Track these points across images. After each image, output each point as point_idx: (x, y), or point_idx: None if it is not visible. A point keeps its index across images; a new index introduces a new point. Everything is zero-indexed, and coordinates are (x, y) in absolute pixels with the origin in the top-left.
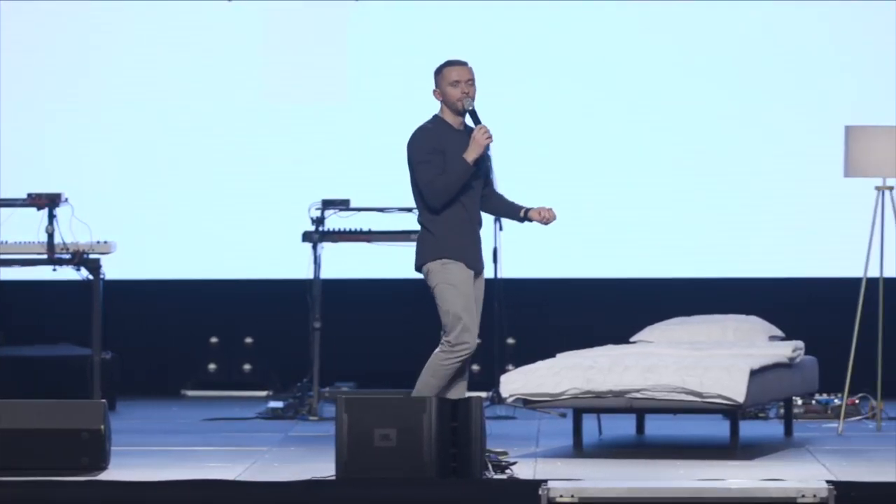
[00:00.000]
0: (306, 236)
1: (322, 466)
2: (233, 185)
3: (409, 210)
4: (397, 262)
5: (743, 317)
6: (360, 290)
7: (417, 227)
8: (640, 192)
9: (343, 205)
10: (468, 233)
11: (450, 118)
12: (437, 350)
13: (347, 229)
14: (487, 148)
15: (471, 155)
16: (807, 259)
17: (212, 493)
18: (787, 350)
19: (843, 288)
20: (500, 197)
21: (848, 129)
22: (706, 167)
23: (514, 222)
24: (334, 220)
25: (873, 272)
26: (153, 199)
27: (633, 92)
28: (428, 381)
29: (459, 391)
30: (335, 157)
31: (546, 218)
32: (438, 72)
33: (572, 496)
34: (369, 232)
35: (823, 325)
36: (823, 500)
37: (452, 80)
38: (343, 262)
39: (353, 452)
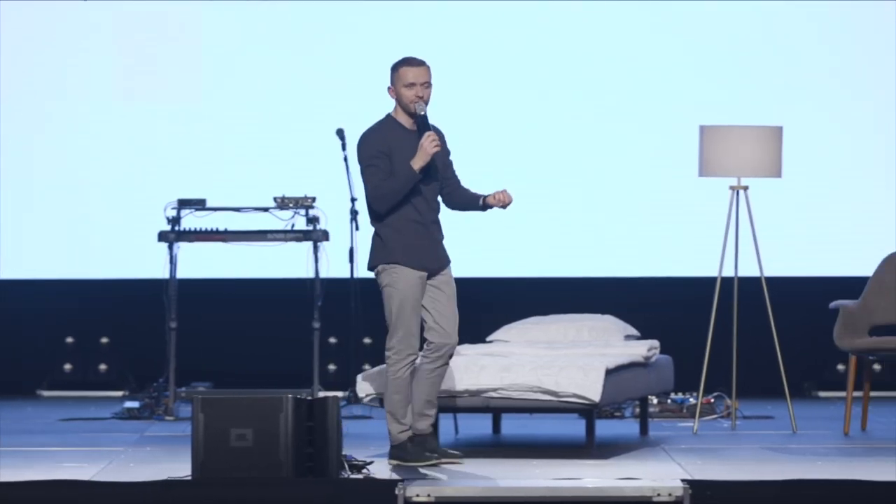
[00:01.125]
0: (162, 236)
1: (178, 466)
2: (89, 185)
3: (265, 210)
4: (254, 262)
5: (598, 316)
6: (217, 290)
7: (273, 226)
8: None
9: (199, 204)
10: (419, 234)
11: (402, 118)
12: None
13: (203, 229)
14: (439, 154)
15: (417, 163)
16: (662, 258)
17: (68, 494)
18: (642, 349)
19: (698, 287)
20: (463, 191)
21: (702, 129)
22: (559, 166)
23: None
24: (190, 220)
25: (728, 272)
26: (7, 197)
27: (485, 89)
28: (390, 398)
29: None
30: (191, 156)
31: (501, 201)
32: (395, 69)
33: (429, 496)
34: (225, 231)
35: (679, 325)
36: (679, 498)
37: (408, 81)
38: (199, 262)
39: (210, 452)
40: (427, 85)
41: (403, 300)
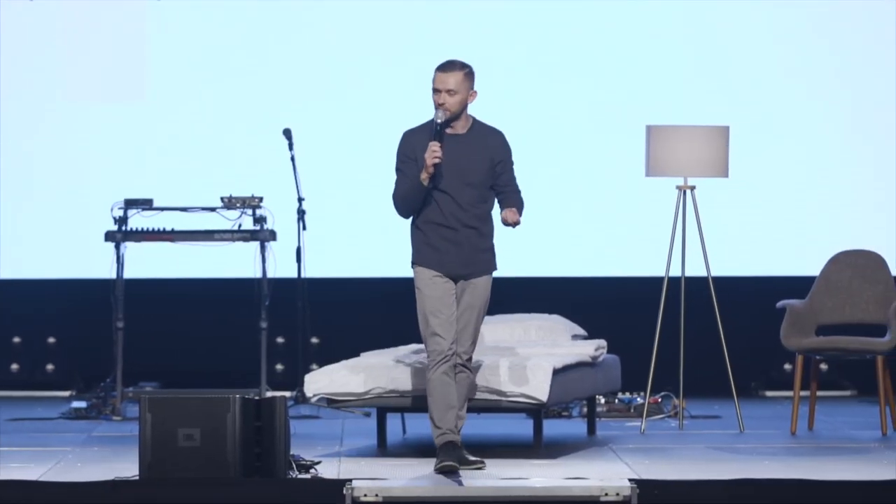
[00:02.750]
0: (109, 236)
1: (126, 466)
2: (35, 185)
3: (213, 209)
4: (201, 262)
5: (546, 316)
6: (164, 290)
7: (220, 226)
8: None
9: (146, 204)
10: (442, 237)
11: (451, 121)
12: None
13: (150, 229)
14: (476, 159)
15: (422, 173)
16: (609, 258)
17: (15, 494)
18: (589, 349)
19: (645, 287)
20: (506, 201)
21: (649, 129)
22: None
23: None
24: (137, 220)
25: (675, 271)
26: None
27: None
28: (429, 403)
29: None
30: (138, 156)
31: (504, 219)
32: None
33: (376, 495)
34: (172, 231)
35: (626, 324)
36: (626, 498)
37: (434, 86)
38: (146, 262)
39: (157, 452)
40: (452, 92)
41: (424, 301)
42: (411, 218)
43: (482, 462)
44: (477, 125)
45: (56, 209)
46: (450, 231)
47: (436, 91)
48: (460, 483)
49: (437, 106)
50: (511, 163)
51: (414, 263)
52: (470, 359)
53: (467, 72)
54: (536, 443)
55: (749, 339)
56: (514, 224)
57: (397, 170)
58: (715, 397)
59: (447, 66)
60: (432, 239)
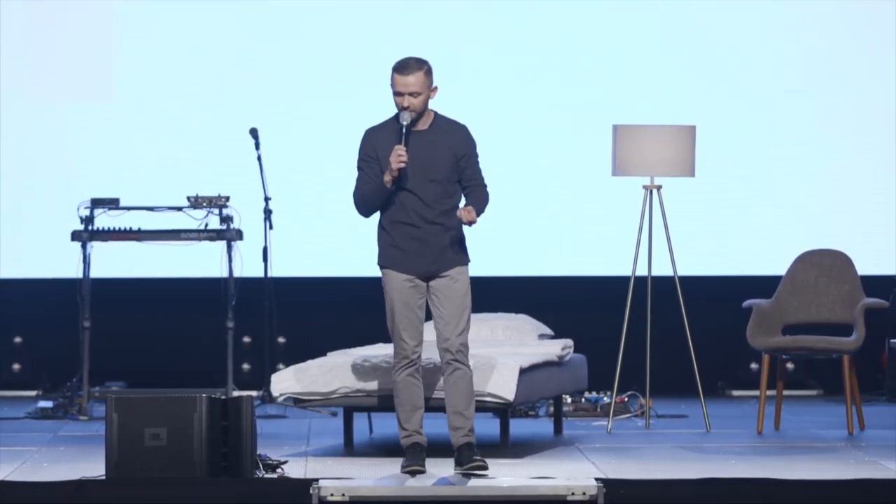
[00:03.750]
0: (75, 235)
1: (92, 466)
2: (1, 184)
3: (179, 209)
4: (167, 261)
5: (512, 315)
6: (130, 290)
7: (186, 225)
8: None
9: (112, 204)
10: (408, 236)
11: None
12: None
13: (117, 228)
14: (441, 155)
15: (386, 175)
16: (575, 257)
17: None
18: (556, 348)
19: (611, 286)
20: (470, 196)
21: (615, 129)
22: None
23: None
24: (104, 219)
25: (642, 271)
26: None
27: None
28: (395, 405)
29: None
30: (104, 155)
31: (459, 217)
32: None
33: (343, 495)
34: (139, 231)
35: (592, 324)
36: (593, 497)
37: (395, 89)
38: (112, 261)
39: (124, 452)
40: (415, 94)
41: (391, 304)
42: (378, 218)
43: (484, 463)
44: (439, 120)
45: (22, 208)
46: (414, 229)
47: (397, 94)
48: (424, 482)
49: (401, 108)
50: (475, 156)
51: (381, 265)
52: (461, 352)
53: (426, 69)
54: (503, 442)
55: (715, 338)
56: (470, 223)
57: (358, 168)
58: (681, 396)
59: (405, 68)
60: (397, 239)
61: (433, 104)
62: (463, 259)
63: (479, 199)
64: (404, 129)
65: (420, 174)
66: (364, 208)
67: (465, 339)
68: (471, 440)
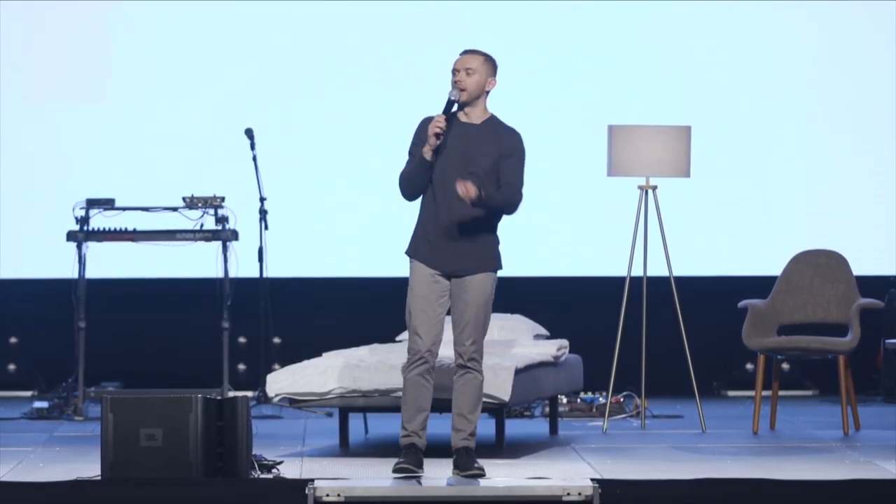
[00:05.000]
0: (71, 235)
1: (87, 467)
2: None
3: (174, 209)
4: (163, 262)
5: (508, 315)
6: (126, 290)
7: (181, 226)
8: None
9: (107, 204)
10: (435, 232)
11: (467, 108)
12: None
13: (112, 228)
14: (475, 152)
15: (425, 148)
16: (571, 257)
17: None
18: (551, 348)
19: (607, 286)
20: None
21: (611, 129)
22: None
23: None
24: (99, 220)
25: (637, 271)
26: None
27: (398, 86)
28: (402, 402)
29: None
30: (99, 155)
31: (456, 187)
32: None
33: (339, 495)
34: (134, 231)
35: (588, 324)
36: (588, 497)
37: (453, 68)
38: (108, 262)
39: (119, 452)
40: (470, 71)
41: (411, 297)
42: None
43: (483, 472)
44: (494, 120)
45: (18, 209)
46: (447, 224)
47: (454, 72)
48: (420, 483)
49: (453, 86)
50: (519, 162)
51: (409, 255)
52: (474, 359)
53: (488, 58)
54: (499, 442)
55: (711, 338)
56: (465, 196)
57: (409, 153)
58: (677, 397)
59: (469, 50)
60: (429, 232)
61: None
62: (490, 265)
63: (500, 193)
64: (450, 104)
65: (461, 164)
66: (405, 186)
67: (481, 346)
68: (470, 445)
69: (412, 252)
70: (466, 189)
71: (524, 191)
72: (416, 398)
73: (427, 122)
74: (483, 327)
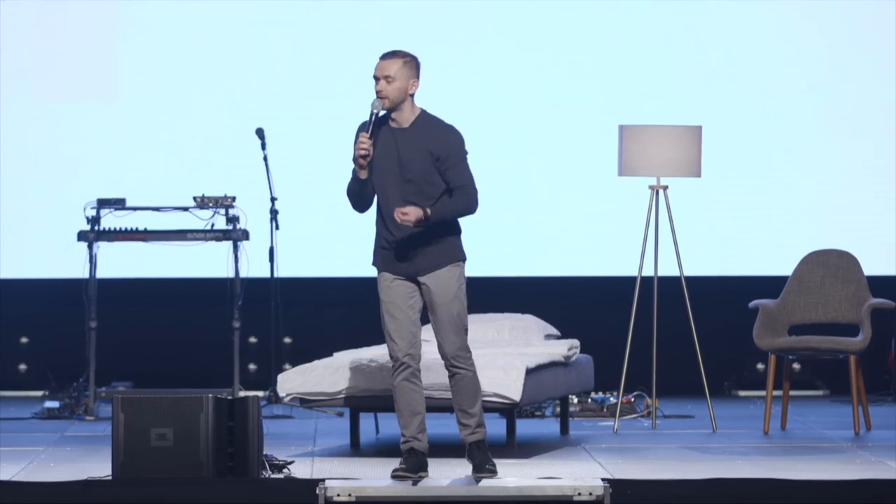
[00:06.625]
0: (81, 235)
1: (98, 466)
2: (7, 185)
3: (185, 209)
4: (173, 262)
5: (518, 315)
6: (137, 290)
7: (192, 226)
8: None
9: (118, 204)
10: (388, 237)
11: (394, 113)
12: None
13: (123, 228)
14: (415, 154)
15: (356, 167)
16: (582, 257)
17: None
18: (562, 348)
19: (618, 286)
20: (445, 198)
21: (622, 129)
22: (478, 165)
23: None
24: (110, 220)
25: (648, 271)
26: None
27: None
28: (395, 409)
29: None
30: (111, 155)
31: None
32: None
33: (349, 495)
34: (145, 231)
35: (599, 324)
36: (599, 497)
37: (374, 74)
38: (119, 262)
39: (130, 452)
40: (389, 79)
41: (381, 305)
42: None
43: (495, 470)
44: (424, 118)
45: (28, 209)
46: (395, 230)
47: (375, 79)
48: (415, 484)
49: (377, 94)
50: (459, 158)
51: (374, 265)
52: (458, 356)
53: (407, 60)
54: (509, 442)
55: (722, 338)
56: (407, 223)
57: (353, 160)
58: (688, 397)
59: (387, 54)
60: (381, 240)
61: (422, 102)
62: (451, 257)
63: (450, 202)
64: (372, 117)
65: (398, 173)
66: (351, 202)
67: (463, 343)
68: (480, 437)
69: (374, 261)
70: (405, 216)
71: (477, 185)
72: (408, 403)
73: (361, 129)
74: (458, 321)
